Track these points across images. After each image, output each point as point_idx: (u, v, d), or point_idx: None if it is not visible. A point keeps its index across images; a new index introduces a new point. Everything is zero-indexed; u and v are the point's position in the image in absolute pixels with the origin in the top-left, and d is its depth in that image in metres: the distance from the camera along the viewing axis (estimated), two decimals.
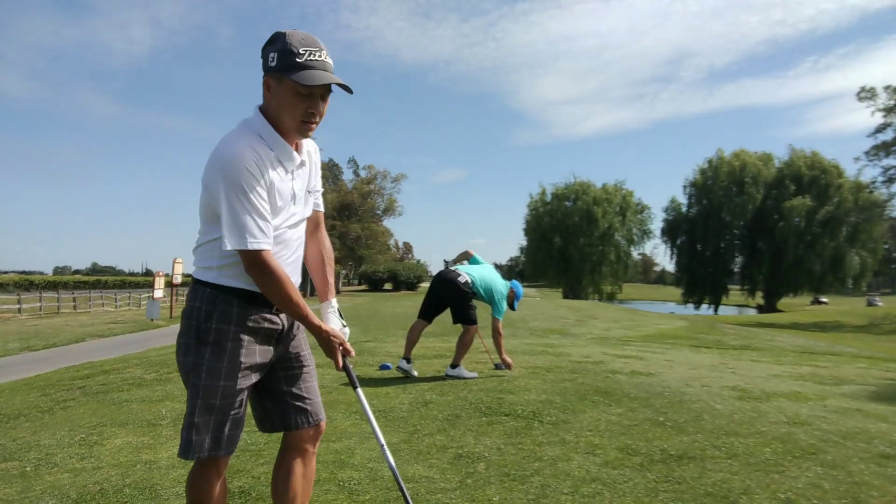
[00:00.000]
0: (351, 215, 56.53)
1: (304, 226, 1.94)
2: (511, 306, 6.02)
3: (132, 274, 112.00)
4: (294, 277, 1.85)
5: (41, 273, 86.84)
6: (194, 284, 1.82)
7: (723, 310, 56.81)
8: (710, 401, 4.44)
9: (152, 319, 21.95)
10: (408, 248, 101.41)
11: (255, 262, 1.69)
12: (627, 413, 4.08)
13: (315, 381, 2.02)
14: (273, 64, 1.69)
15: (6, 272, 72.72)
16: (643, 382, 5.19)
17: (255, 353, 1.81)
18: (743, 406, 4.30)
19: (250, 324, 1.79)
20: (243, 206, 1.65)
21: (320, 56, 1.69)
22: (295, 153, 1.80)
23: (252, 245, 1.66)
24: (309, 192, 1.95)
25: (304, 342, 2.01)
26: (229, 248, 1.67)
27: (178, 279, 25.92)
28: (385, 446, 1.95)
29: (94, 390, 5.69)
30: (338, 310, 2.05)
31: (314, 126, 1.76)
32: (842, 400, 4.68)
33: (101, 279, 63.15)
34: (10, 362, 11.43)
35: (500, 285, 5.84)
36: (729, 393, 4.79)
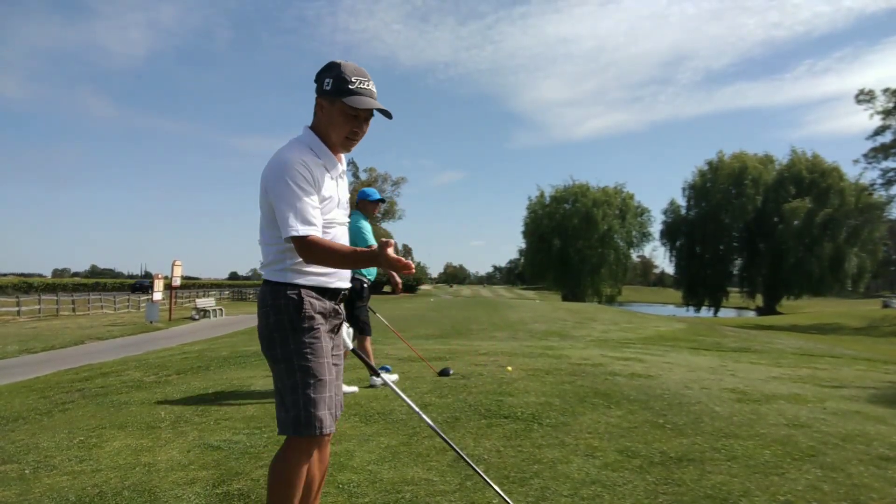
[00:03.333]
0: None
1: (346, 230, 2.16)
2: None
3: (131, 276, 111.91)
4: (346, 272, 2.12)
5: (40, 275, 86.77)
6: (275, 285, 2.00)
7: (722, 312, 56.78)
8: (709, 403, 4.44)
9: (151, 322, 21.94)
10: (407, 250, 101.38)
11: (307, 245, 1.89)
12: (627, 415, 4.08)
13: (342, 378, 2.18)
14: (328, 88, 1.99)
15: (5, 274, 72.70)
16: (642, 385, 5.19)
17: (329, 338, 2.04)
18: (742, 408, 4.30)
19: (327, 313, 2.04)
20: (296, 195, 1.90)
21: (368, 85, 1.99)
22: (336, 160, 2.07)
23: (304, 232, 1.88)
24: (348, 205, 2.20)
25: (339, 341, 2.17)
26: (286, 235, 1.88)
27: (177, 282, 25.94)
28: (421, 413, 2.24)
29: (93, 393, 5.69)
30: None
31: (356, 143, 2.07)
32: (841, 402, 4.68)
33: (100, 281, 63.06)
34: (8, 365, 11.41)
35: (354, 233, 4.94)
36: (728, 395, 4.79)
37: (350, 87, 1.95)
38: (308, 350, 1.95)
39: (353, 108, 1.96)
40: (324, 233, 1.97)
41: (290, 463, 1.94)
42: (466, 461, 2.48)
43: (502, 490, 2.50)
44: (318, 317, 2.00)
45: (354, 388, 5.08)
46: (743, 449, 3.32)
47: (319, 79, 2.02)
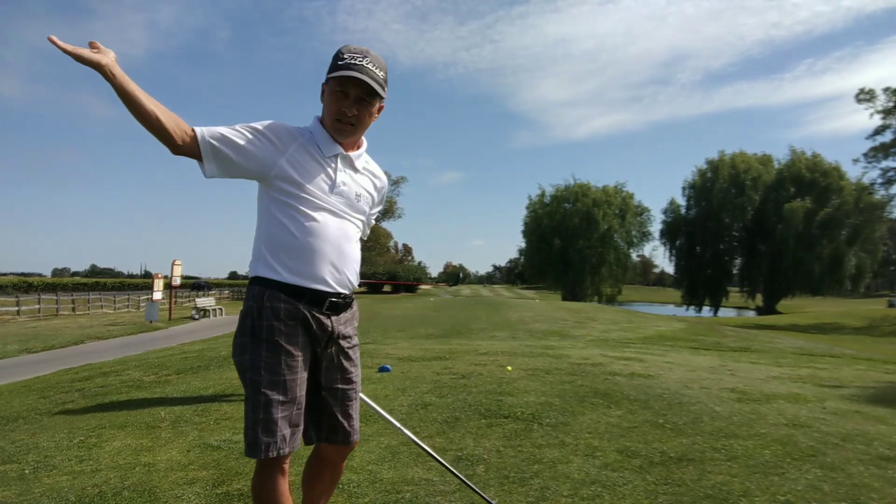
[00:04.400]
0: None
1: (350, 226, 1.91)
2: None
3: (131, 276, 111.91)
4: (343, 275, 1.85)
5: (40, 275, 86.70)
6: (249, 283, 1.86)
7: (722, 312, 56.77)
8: (709, 403, 4.44)
9: (151, 321, 21.94)
10: (407, 249, 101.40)
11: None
12: (627, 415, 4.07)
13: (358, 401, 2.01)
14: (328, 73, 1.84)
15: (5, 274, 72.71)
16: (642, 384, 5.19)
17: (306, 349, 1.81)
18: (742, 408, 4.30)
19: (298, 319, 1.78)
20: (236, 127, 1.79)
21: (360, 61, 1.80)
22: (336, 143, 1.88)
23: (197, 129, 1.72)
24: (362, 208, 1.96)
25: (356, 362, 1.98)
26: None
27: (177, 281, 25.93)
28: (400, 426, 2.12)
29: (92, 392, 5.68)
30: None
31: (348, 127, 1.85)
32: (841, 402, 4.68)
33: (99, 281, 63.06)
34: (8, 364, 11.41)
35: None
36: (728, 395, 4.79)
37: (340, 63, 1.80)
38: (262, 363, 1.73)
39: (336, 81, 1.79)
40: (310, 213, 1.79)
41: (255, 484, 1.80)
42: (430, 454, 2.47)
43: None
44: (281, 324, 1.75)
45: None
46: (743, 449, 3.32)
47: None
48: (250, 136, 1.77)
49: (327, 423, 1.92)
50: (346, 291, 1.88)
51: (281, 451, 1.73)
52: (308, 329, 1.80)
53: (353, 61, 1.79)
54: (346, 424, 1.93)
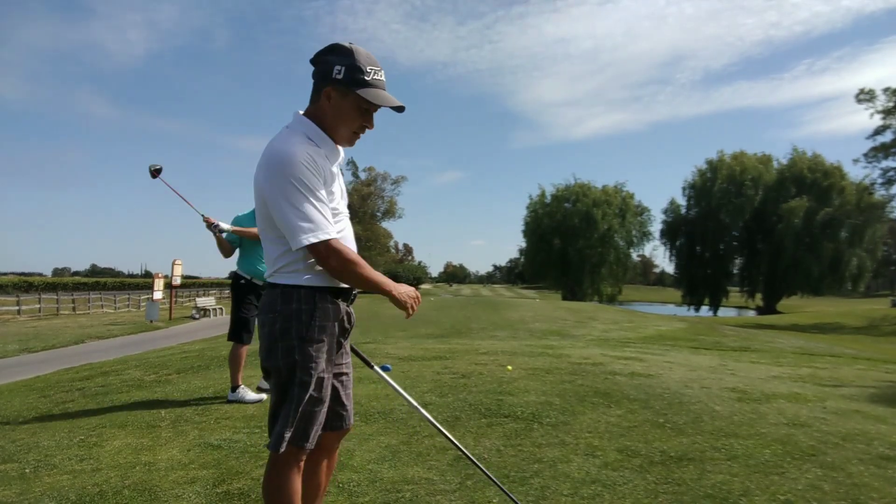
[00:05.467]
0: (351, 217, 56.19)
1: (349, 223, 2.00)
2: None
3: (131, 275, 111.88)
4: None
5: (40, 274, 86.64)
6: (285, 288, 1.84)
7: (722, 311, 56.81)
8: (709, 402, 4.44)
9: (151, 321, 21.94)
10: (408, 249, 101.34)
11: (329, 251, 1.76)
12: (627, 415, 4.08)
13: (352, 388, 2.09)
14: (339, 77, 1.80)
15: (5, 273, 72.68)
16: (643, 384, 5.19)
17: (339, 346, 1.94)
18: (742, 408, 4.30)
19: (341, 317, 1.90)
20: (306, 198, 1.74)
21: (380, 76, 1.84)
22: (338, 149, 1.93)
23: (323, 236, 1.74)
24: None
25: (348, 350, 2.08)
26: (299, 245, 1.73)
27: (177, 280, 25.93)
28: (419, 406, 2.22)
29: (93, 392, 5.68)
30: None
31: (360, 137, 1.93)
32: (841, 401, 4.68)
33: (100, 281, 63.05)
34: (8, 364, 11.42)
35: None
36: (728, 394, 4.79)
37: (366, 78, 1.79)
38: (312, 364, 1.81)
39: (370, 102, 1.81)
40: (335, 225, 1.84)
41: (273, 479, 1.85)
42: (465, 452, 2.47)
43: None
44: (330, 325, 1.85)
45: (261, 397, 4.77)
46: (743, 448, 3.32)
47: (328, 64, 1.82)
48: (322, 191, 1.80)
49: (333, 410, 1.99)
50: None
51: (310, 446, 1.85)
52: (342, 326, 1.92)
53: (377, 77, 1.82)
54: (347, 410, 2.03)
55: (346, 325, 1.95)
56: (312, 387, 1.81)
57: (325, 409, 1.88)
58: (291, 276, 1.83)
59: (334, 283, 1.86)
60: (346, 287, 1.89)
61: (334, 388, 1.97)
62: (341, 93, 1.81)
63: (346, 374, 2.04)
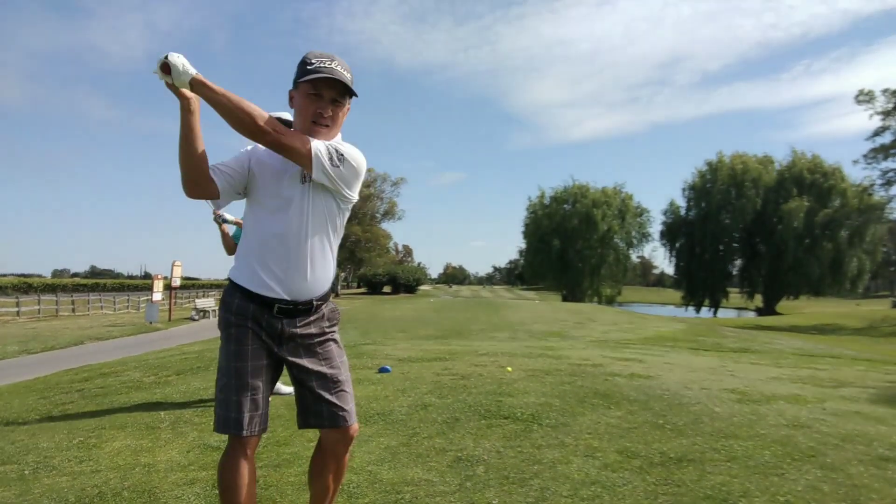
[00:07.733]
0: (351, 218, 56.15)
1: (298, 213, 1.95)
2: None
3: (131, 277, 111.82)
4: (276, 291, 1.95)
5: (39, 276, 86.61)
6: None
7: (722, 312, 56.77)
8: (709, 403, 4.44)
9: (151, 322, 21.92)
10: (408, 250, 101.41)
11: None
12: (626, 416, 4.07)
13: (344, 389, 2.06)
14: (294, 79, 1.96)
15: (4, 275, 72.62)
16: (642, 385, 5.19)
17: (261, 343, 1.95)
18: (742, 409, 4.30)
19: (250, 316, 1.94)
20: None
21: (330, 63, 1.91)
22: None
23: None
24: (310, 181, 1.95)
25: (335, 353, 2.07)
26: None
27: (176, 282, 25.91)
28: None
29: (92, 393, 5.68)
30: None
31: (323, 128, 1.95)
32: (841, 403, 4.68)
33: (99, 282, 63.00)
34: (8, 365, 11.40)
35: None
36: (728, 396, 4.79)
37: (309, 67, 1.91)
38: (224, 350, 1.95)
39: (311, 83, 1.90)
40: (268, 207, 1.95)
41: (219, 462, 1.93)
42: None
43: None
44: (239, 318, 1.94)
45: (290, 389, 4.69)
46: (743, 449, 3.32)
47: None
48: (235, 162, 2.01)
49: (309, 408, 2.02)
50: (298, 298, 1.99)
51: (242, 433, 1.87)
52: (262, 328, 1.97)
53: (322, 65, 1.90)
54: (325, 409, 2.00)
55: (273, 330, 1.95)
56: (227, 371, 1.92)
57: (243, 400, 1.88)
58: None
59: (244, 285, 1.95)
60: (255, 293, 1.92)
61: (316, 385, 2.00)
62: (296, 89, 1.96)
63: (318, 372, 2.01)
